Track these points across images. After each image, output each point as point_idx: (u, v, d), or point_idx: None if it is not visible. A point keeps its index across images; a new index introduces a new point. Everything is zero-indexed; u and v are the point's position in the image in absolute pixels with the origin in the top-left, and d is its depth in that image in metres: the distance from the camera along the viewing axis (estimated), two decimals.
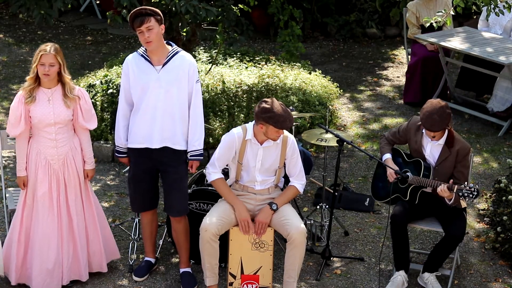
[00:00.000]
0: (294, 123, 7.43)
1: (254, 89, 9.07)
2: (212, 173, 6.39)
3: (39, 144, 6.25)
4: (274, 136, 6.26)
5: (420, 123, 6.47)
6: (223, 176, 6.41)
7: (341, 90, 10.09)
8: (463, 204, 6.61)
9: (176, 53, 6.32)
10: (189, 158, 6.38)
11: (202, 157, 6.42)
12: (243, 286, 6.40)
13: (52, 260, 6.34)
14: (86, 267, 6.51)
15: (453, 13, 7.59)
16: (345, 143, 6.76)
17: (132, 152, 6.46)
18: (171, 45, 6.37)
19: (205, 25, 8.95)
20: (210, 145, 8.28)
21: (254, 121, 6.31)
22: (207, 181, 6.74)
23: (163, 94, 6.25)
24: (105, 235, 6.62)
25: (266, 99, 6.22)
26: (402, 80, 10.48)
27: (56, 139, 6.24)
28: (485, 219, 7.58)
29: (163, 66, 6.27)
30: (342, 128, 9.33)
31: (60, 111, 6.20)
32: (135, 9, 6.27)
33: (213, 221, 6.26)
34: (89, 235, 6.50)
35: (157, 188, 6.61)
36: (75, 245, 6.42)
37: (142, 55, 6.32)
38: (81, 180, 6.40)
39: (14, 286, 6.47)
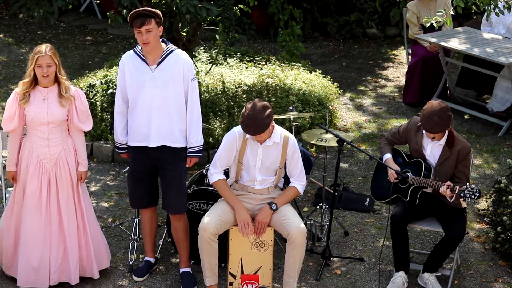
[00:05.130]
0: (294, 123, 7.46)
1: (254, 89, 9.07)
2: (214, 174, 6.39)
3: (32, 142, 6.24)
4: (255, 138, 6.28)
5: (420, 123, 6.46)
6: (224, 177, 6.41)
7: (341, 90, 10.09)
8: (463, 204, 6.61)
9: (171, 51, 6.31)
10: (187, 154, 6.39)
11: (200, 154, 6.42)
12: (243, 286, 6.40)
13: (36, 259, 6.31)
14: (76, 270, 6.41)
15: (453, 13, 7.59)
16: (345, 143, 6.76)
17: (131, 149, 6.48)
18: (166, 43, 6.36)
19: (205, 25, 8.94)
20: (210, 145, 8.27)
21: None
22: (207, 181, 6.74)
23: (159, 93, 6.25)
24: (96, 241, 6.54)
25: (249, 102, 6.23)
26: (402, 80, 10.47)
27: (48, 139, 6.22)
28: (485, 219, 7.58)
29: (157, 65, 6.27)
30: (342, 128, 9.33)
31: (54, 111, 6.18)
32: (137, 9, 6.27)
33: (212, 220, 6.26)
34: (81, 239, 6.43)
35: (157, 186, 6.61)
36: (65, 246, 6.36)
37: (137, 54, 6.32)
38: (74, 182, 6.35)
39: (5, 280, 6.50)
